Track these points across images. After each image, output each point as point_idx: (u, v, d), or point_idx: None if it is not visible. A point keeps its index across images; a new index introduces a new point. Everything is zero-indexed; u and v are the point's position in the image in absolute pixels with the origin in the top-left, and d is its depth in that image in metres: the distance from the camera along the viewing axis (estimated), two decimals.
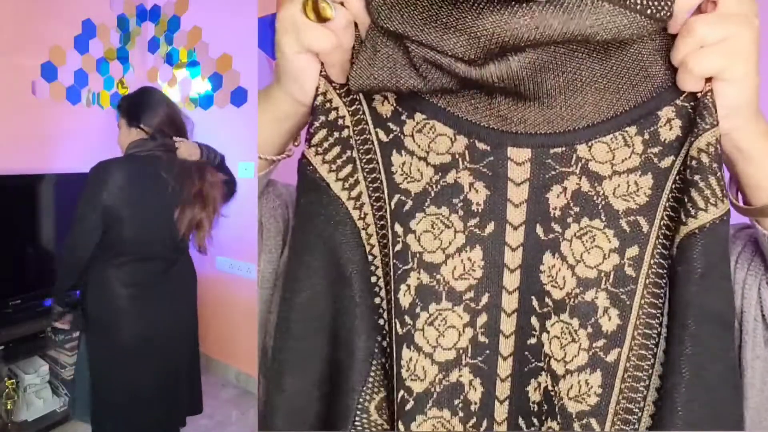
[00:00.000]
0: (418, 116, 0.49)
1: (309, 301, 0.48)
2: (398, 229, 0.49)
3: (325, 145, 0.49)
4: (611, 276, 0.48)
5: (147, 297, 1.72)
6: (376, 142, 0.50)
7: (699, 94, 0.45)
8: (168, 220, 1.71)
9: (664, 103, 0.47)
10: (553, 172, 0.48)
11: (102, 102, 3.16)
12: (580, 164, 0.47)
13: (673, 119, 0.47)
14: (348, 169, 0.49)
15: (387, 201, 0.50)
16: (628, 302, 0.48)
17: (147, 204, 1.69)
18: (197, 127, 3.04)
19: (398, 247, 0.49)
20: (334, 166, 0.49)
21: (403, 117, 0.49)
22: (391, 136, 0.49)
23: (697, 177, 0.45)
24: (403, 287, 0.48)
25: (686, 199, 0.46)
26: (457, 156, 0.48)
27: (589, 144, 0.47)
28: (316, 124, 0.49)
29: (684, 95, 0.46)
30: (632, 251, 0.48)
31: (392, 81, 0.45)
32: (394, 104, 0.49)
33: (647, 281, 0.48)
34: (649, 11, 0.42)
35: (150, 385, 1.76)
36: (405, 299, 0.48)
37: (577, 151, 0.48)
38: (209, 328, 2.90)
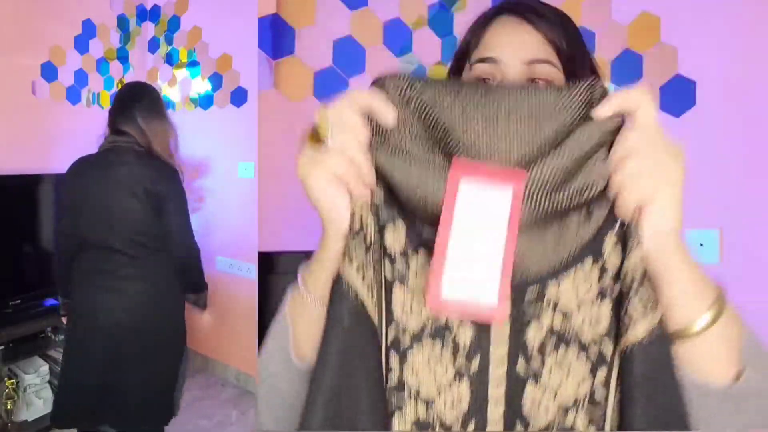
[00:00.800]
0: (423, 254, 0.54)
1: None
2: (393, 360, 0.55)
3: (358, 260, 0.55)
4: (586, 400, 0.54)
5: (104, 287, 1.75)
6: (382, 276, 0.56)
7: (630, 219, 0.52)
8: (123, 209, 1.74)
9: (607, 232, 0.53)
10: (530, 312, 0.54)
11: (102, 102, 3.16)
12: (551, 302, 0.54)
13: (616, 243, 0.53)
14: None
15: (385, 332, 0.56)
16: (602, 423, 0.54)
17: (100, 196, 1.75)
18: (197, 127, 3.04)
19: (394, 379, 0.55)
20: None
21: (409, 252, 0.55)
22: (396, 273, 0.55)
23: (631, 293, 0.51)
24: (397, 414, 0.55)
25: (624, 317, 0.52)
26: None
27: (558, 280, 0.54)
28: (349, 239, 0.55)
29: (619, 222, 0.53)
30: (601, 374, 0.54)
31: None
32: (405, 239, 0.55)
33: (615, 399, 0.54)
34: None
35: (91, 373, 1.75)
36: (399, 426, 0.55)
37: (549, 290, 0.54)
38: (209, 327, 2.89)
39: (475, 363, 0.55)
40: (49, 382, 2.60)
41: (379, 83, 0.56)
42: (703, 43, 1.61)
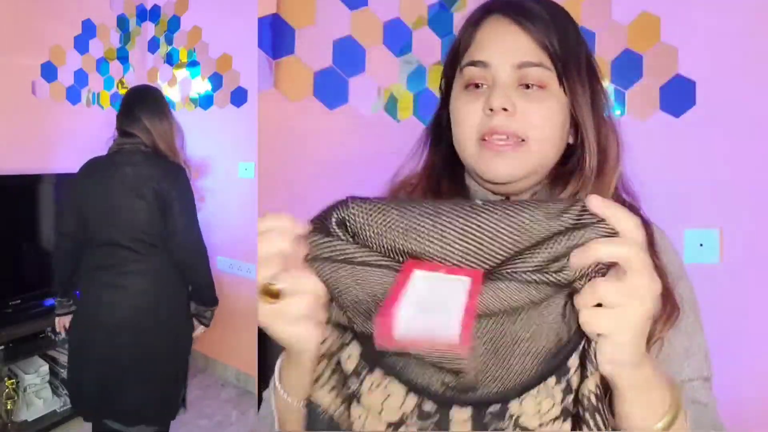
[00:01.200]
0: (376, 374, 0.54)
1: None
2: None
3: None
4: None
5: (108, 283, 1.78)
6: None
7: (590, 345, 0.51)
8: (129, 208, 1.77)
9: (571, 353, 0.52)
10: (491, 428, 0.53)
11: (102, 102, 3.16)
12: (513, 419, 0.53)
13: (579, 365, 0.53)
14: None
15: None
16: None
17: (106, 195, 1.79)
18: (197, 127, 3.04)
19: None
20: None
21: (363, 373, 0.54)
22: (350, 392, 0.55)
23: (587, 415, 0.52)
24: None
25: None
26: (405, 415, 0.53)
27: (520, 399, 0.53)
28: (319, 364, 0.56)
29: (583, 343, 0.52)
30: None
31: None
32: (358, 360, 0.54)
33: None
34: (551, 279, 0.48)
35: (92, 367, 1.78)
36: None
37: (510, 408, 0.53)
38: (209, 328, 2.89)
39: None
40: (49, 382, 2.60)
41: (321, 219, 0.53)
42: (703, 43, 1.61)
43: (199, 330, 1.97)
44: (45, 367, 2.58)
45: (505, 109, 0.67)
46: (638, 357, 0.50)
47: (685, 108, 1.63)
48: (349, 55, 1.85)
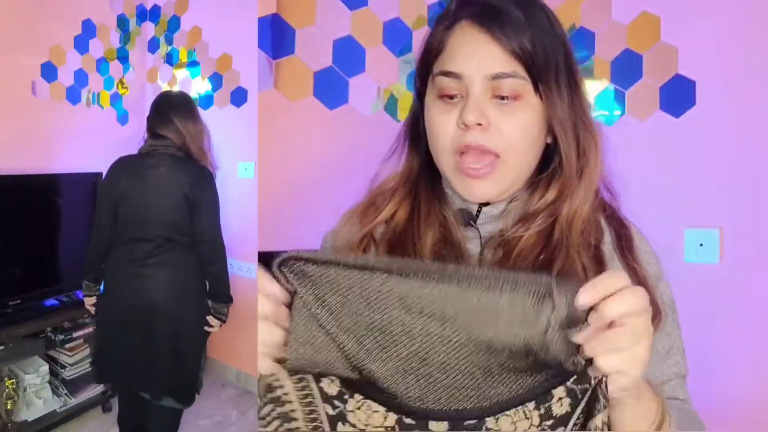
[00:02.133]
0: (358, 396, 0.58)
1: None
2: None
3: (271, 422, 0.59)
4: None
5: (136, 273, 1.93)
6: (324, 414, 0.59)
7: (593, 380, 0.55)
8: (158, 207, 1.92)
9: (556, 384, 0.56)
10: None
11: (102, 102, 3.16)
12: None
13: (563, 398, 0.56)
14: None
15: None
16: None
17: (140, 194, 1.93)
18: None
19: None
20: None
21: (346, 396, 0.59)
22: (337, 411, 0.58)
23: None
24: None
25: None
26: (388, 430, 0.57)
27: (497, 417, 0.56)
28: (263, 402, 0.59)
29: (573, 379, 0.55)
30: None
31: (329, 369, 0.58)
32: (339, 386, 0.59)
33: None
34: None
35: (125, 346, 1.96)
36: None
37: (486, 424, 0.56)
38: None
39: None
40: (49, 382, 2.60)
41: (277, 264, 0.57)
42: (703, 43, 1.61)
43: (216, 326, 2.12)
44: (45, 367, 2.58)
45: (478, 124, 0.66)
46: (639, 385, 0.54)
47: (685, 108, 1.63)
48: (349, 55, 1.85)
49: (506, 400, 0.56)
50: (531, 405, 0.56)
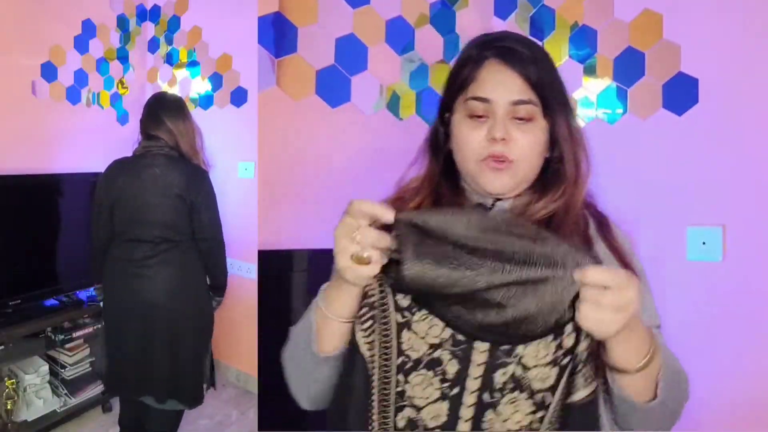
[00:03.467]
0: (424, 311, 0.77)
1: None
2: (401, 378, 0.78)
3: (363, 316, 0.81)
4: (527, 429, 0.76)
5: (135, 274, 1.96)
6: (393, 322, 0.79)
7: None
8: (154, 207, 1.95)
9: (568, 321, 0.72)
10: (500, 360, 0.75)
11: (102, 102, 3.16)
12: (517, 357, 0.75)
13: (571, 333, 0.74)
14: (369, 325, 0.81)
15: (394, 358, 0.79)
16: None
17: (135, 195, 1.96)
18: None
19: (399, 389, 0.79)
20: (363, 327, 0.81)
21: (414, 309, 0.77)
22: (405, 320, 0.78)
23: (578, 369, 0.75)
24: (399, 415, 0.79)
25: (573, 383, 0.76)
26: (443, 340, 0.77)
27: (525, 345, 0.75)
28: (363, 303, 0.81)
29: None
30: (539, 414, 0.76)
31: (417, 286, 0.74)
32: (410, 300, 0.78)
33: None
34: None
35: (127, 349, 1.99)
36: (400, 423, 0.79)
37: (516, 349, 0.75)
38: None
39: (455, 390, 0.77)
40: (49, 382, 2.59)
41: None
42: (705, 41, 1.61)
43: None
44: (45, 367, 2.58)
45: (503, 139, 0.86)
46: (621, 327, 0.69)
47: (687, 106, 1.63)
48: (351, 54, 1.85)
49: (533, 333, 0.73)
50: (550, 338, 0.74)
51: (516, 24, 1.90)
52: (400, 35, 1.89)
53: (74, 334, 2.62)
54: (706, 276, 1.60)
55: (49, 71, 2.88)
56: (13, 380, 2.40)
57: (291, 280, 1.83)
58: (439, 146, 0.96)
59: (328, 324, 0.83)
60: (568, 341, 0.74)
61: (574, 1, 1.81)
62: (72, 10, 3.00)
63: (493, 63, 0.88)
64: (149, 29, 3.32)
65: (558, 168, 0.90)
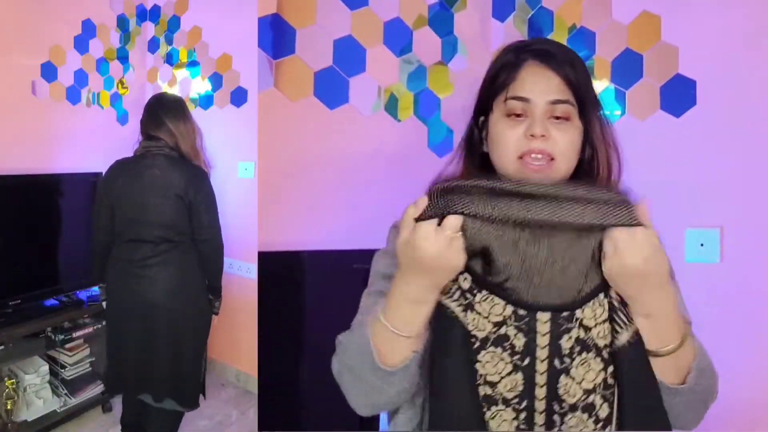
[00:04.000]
0: (484, 292, 0.82)
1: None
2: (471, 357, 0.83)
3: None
4: (601, 386, 0.82)
5: (136, 274, 1.98)
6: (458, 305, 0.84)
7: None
8: (154, 208, 1.96)
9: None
10: (563, 327, 0.81)
11: (102, 102, 3.16)
12: (578, 321, 0.81)
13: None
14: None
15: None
16: (612, 399, 0.83)
17: (135, 195, 1.98)
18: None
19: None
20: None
21: (475, 291, 0.82)
22: (467, 301, 0.83)
23: (614, 316, 0.82)
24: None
25: (615, 328, 0.82)
26: (506, 317, 0.82)
27: (582, 308, 0.81)
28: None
29: None
30: (610, 369, 0.82)
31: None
32: (471, 282, 0.83)
33: (622, 383, 0.82)
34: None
35: (127, 348, 2.01)
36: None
37: (576, 314, 0.81)
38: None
39: (526, 361, 0.81)
40: (49, 382, 2.60)
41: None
42: (703, 43, 1.61)
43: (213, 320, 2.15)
44: (45, 367, 2.58)
45: (542, 135, 0.88)
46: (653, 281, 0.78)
47: (685, 108, 1.63)
48: (349, 55, 1.85)
49: (588, 294, 0.80)
50: (601, 296, 0.81)
51: (514, 26, 1.90)
52: (398, 37, 1.89)
53: (74, 334, 2.62)
54: (705, 277, 1.60)
55: (49, 71, 2.89)
56: (13, 380, 2.41)
57: (291, 280, 1.83)
58: (474, 144, 1.00)
59: (396, 340, 0.83)
60: (616, 295, 0.81)
61: (573, 2, 1.81)
62: (72, 10, 3.00)
63: (532, 64, 0.91)
64: (149, 29, 3.32)
65: (590, 168, 0.94)
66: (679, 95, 1.64)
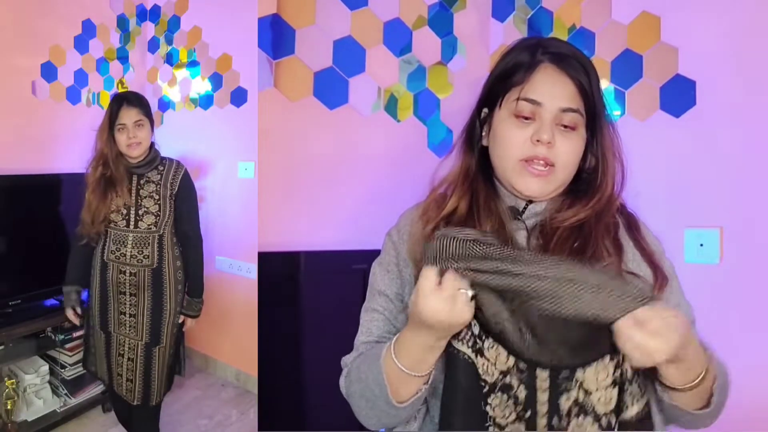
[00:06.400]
0: (491, 340, 0.83)
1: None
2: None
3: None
4: None
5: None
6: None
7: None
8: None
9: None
10: (563, 386, 0.81)
11: (102, 102, 3.16)
12: (578, 382, 0.81)
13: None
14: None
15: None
16: None
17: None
18: (197, 127, 3.03)
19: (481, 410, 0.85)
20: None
21: (484, 337, 0.83)
22: (478, 347, 0.83)
23: (626, 387, 0.80)
24: None
25: (623, 401, 0.80)
26: (509, 368, 0.82)
27: (584, 369, 0.81)
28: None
29: None
30: None
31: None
32: (480, 329, 0.83)
33: None
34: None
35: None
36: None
37: (576, 373, 0.81)
38: (209, 327, 2.89)
39: (528, 413, 0.82)
40: (49, 382, 2.60)
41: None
42: (703, 43, 1.61)
43: (190, 323, 2.11)
44: (45, 367, 2.58)
45: (549, 142, 0.87)
46: (671, 355, 0.74)
47: (685, 108, 1.63)
48: (349, 55, 1.85)
49: (590, 355, 0.80)
50: (607, 359, 0.80)
51: (514, 26, 1.90)
52: (397, 37, 1.89)
53: (74, 334, 2.61)
54: (704, 278, 1.60)
55: (49, 71, 2.88)
56: (13, 380, 2.40)
57: (291, 280, 1.84)
58: (474, 141, 0.98)
59: (407, 379, 0.86)
60: (625, 364, 0.80)
61: (572, 3, 1.81)
62: (72, 10, 3.00)
63: (548, 68, 0.90)
64: (149, 29, 3.32)
65: (592, 178, 0.94)
66: (678, 95, 1.64)
